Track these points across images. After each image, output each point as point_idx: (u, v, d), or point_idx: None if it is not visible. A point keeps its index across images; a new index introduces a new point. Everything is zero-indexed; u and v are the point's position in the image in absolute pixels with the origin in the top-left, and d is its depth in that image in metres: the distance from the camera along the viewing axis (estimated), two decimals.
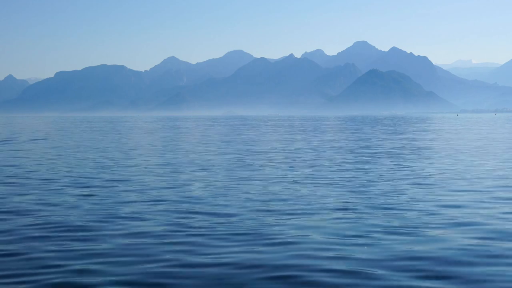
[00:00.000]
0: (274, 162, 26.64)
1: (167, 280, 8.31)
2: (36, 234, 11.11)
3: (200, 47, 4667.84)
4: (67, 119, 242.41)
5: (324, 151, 34.16)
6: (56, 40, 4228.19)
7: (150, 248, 10.00)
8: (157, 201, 15.10)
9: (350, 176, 20.48)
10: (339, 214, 12.90)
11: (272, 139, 50.77)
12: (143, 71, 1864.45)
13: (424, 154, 30.99)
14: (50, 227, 11.73)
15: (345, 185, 17.95)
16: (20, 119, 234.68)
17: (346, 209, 13.54)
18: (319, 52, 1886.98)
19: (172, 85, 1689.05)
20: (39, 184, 18.81)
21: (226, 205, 14.21)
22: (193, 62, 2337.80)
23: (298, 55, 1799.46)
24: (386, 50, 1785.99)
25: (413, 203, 14.25)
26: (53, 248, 10.05)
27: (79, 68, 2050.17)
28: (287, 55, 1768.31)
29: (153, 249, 9.89)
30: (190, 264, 9.06)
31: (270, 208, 13.82)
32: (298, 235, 10.69)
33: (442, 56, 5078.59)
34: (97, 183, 18.92)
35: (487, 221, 11.91)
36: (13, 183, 19.44)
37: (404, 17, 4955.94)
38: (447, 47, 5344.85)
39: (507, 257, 9.22)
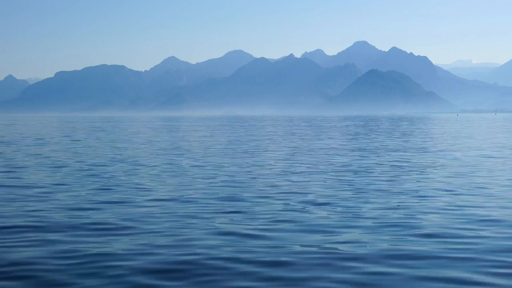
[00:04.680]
0: None
1: None
2: None
3: (200, 47, 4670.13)
4: (78, 119, 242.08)
5: None
6: (56, 40, 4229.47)
7: None
8: None
9: None
10: None
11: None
12: (143, 71, 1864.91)
13: None
14: None
15: None
16: (23, 119, 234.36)
17: None
18: (319, 52, 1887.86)
19: (172, 85, 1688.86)
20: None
21: None
22: (193, 62, 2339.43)
23: (298, 55, 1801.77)
24: (386, 50, 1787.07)
25: None
26: None
27: (79, 68, 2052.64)
28: (287, 55, 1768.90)
29: None
30: None
31: None
32: None
33: (442, 56, 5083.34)
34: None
35: None
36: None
37: (404, 17, 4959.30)
38: (447, 47, 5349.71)
39: None
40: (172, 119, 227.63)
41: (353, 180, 19.12)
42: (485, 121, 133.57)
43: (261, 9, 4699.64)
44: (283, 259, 9.07)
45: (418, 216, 12.42)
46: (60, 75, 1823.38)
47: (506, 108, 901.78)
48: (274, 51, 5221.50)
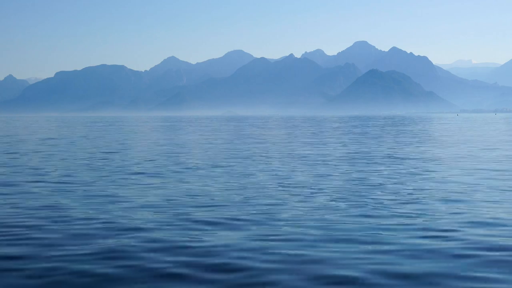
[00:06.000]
0: None
1: None
2: None
3: (200, 47, 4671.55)
4: (87, 119, 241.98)
5: None
6: (56, 40, 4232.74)
7: None
8: None
9: None
10: None
11: None
12: (143, 71, 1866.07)
13: None
14: None
15: None
16: (27, 119, 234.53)
17: None
18: (319, 52, 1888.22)
19: (172, 85, 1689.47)
20: None
21: None
22: (193, 62, 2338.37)
23: (298, 55, 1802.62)
24: (386, 50, 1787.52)
25: None
26: None
27: (79, 68, 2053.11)
28: (287, 55, 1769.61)
29: None
30: None
31: None
32: None
33: (442, 56, 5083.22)
34: None
35: None
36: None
37: (404, 17, 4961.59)
38: (447, 47, 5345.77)
39: None
40: (197, 119, 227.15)
41: None
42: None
43: (261, 9, 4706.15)
44: None
45: None
46: (60, 75, 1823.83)
47: (506, 108, 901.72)
48: (274, 51, 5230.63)
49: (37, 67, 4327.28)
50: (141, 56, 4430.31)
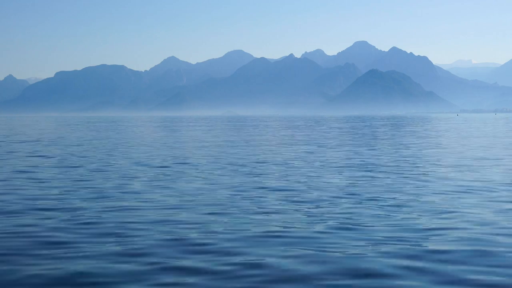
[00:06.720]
0: None
1: None
2: None
3: (200, 47, 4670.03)
4: (96, 120, 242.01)
5: None
6: (56, 40, 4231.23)
7: None
8: None
9: None
10: None
11: None
12: (143, 71, 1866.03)
13: None
14: None
15: None
16: (29, 120, 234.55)
17: None
18: (319, 52, 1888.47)
19: (172, 85, 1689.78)
20: None
21: None
22: (193, 62, 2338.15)
23: (298, 55, 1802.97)
24: (386, 50, 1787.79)
25: None
26: None
27: (79, 68, 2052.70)
28: (287, 55, 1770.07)
29: None
30: None
31: None
32: None
33: (442, 56, 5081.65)
34: None
35: None
36: None
37: (404, 17, 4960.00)
38: (447, 47, 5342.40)
39: None
40: (214, 118, 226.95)
41: None
42: None
43: (261, 9, 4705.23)
44: None
45: None
46: (60, 75, 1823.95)
47: (506, 108, 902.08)
48: (274, 51, 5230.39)
49: (37, 67, 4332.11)
50: (141, 56, 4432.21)
